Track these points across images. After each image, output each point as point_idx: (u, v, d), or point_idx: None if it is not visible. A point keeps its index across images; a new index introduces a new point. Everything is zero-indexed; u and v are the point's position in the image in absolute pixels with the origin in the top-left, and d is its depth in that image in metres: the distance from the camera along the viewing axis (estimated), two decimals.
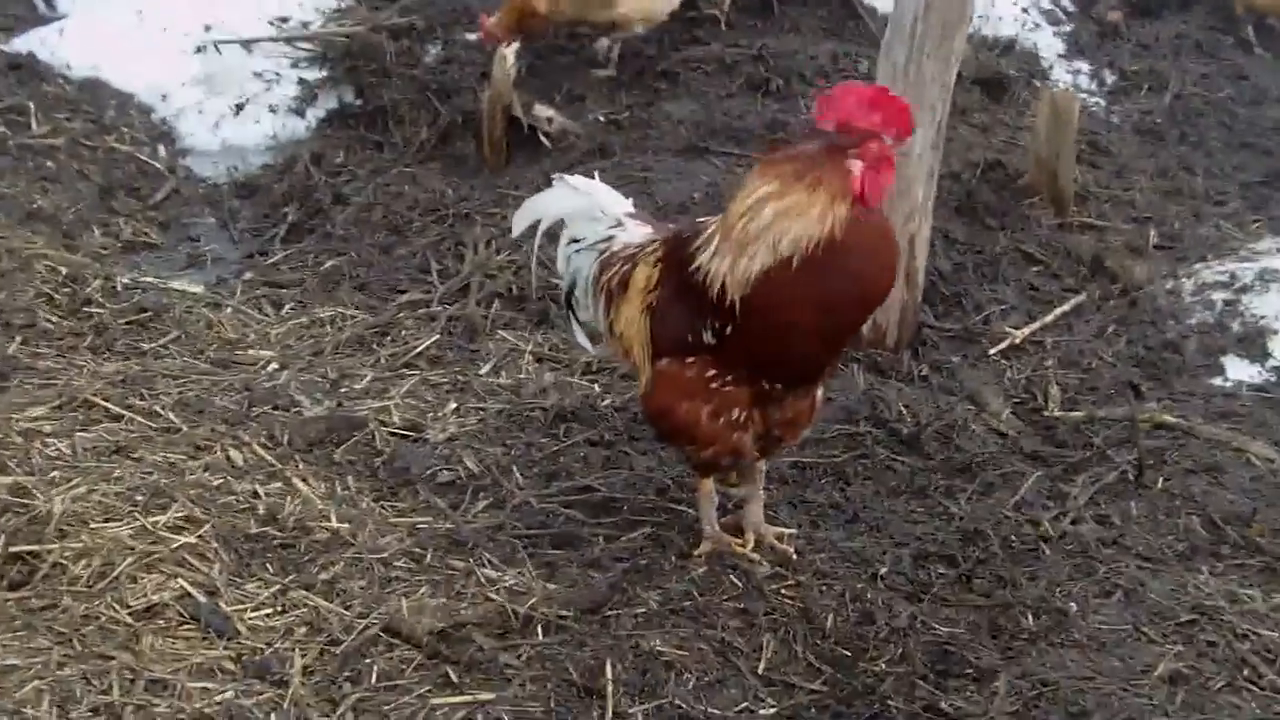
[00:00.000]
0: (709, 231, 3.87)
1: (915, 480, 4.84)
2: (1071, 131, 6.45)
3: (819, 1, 8.06)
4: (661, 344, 4.02)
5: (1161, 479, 4.89)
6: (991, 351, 5.71)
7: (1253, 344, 5.81)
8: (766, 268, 3.71)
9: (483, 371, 5.37)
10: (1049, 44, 8.28)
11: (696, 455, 4.11)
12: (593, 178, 4.51)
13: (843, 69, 7.39)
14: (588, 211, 4.36)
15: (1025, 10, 8.37)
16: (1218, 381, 5.66)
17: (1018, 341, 5.76)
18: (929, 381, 5.52)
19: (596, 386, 5.26)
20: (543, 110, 6.86)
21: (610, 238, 4.29)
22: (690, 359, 3.94)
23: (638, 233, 4.24)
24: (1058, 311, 5.96)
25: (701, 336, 3.90)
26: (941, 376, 5.56)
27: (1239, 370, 5.71)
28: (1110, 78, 8.12)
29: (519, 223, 4.53)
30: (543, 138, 6.83)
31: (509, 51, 6.74)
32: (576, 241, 4.37)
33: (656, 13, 7.33)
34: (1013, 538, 4.52)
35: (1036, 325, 5.84)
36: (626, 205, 4.39)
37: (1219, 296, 6.06)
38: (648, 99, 7.14)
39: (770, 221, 3.69)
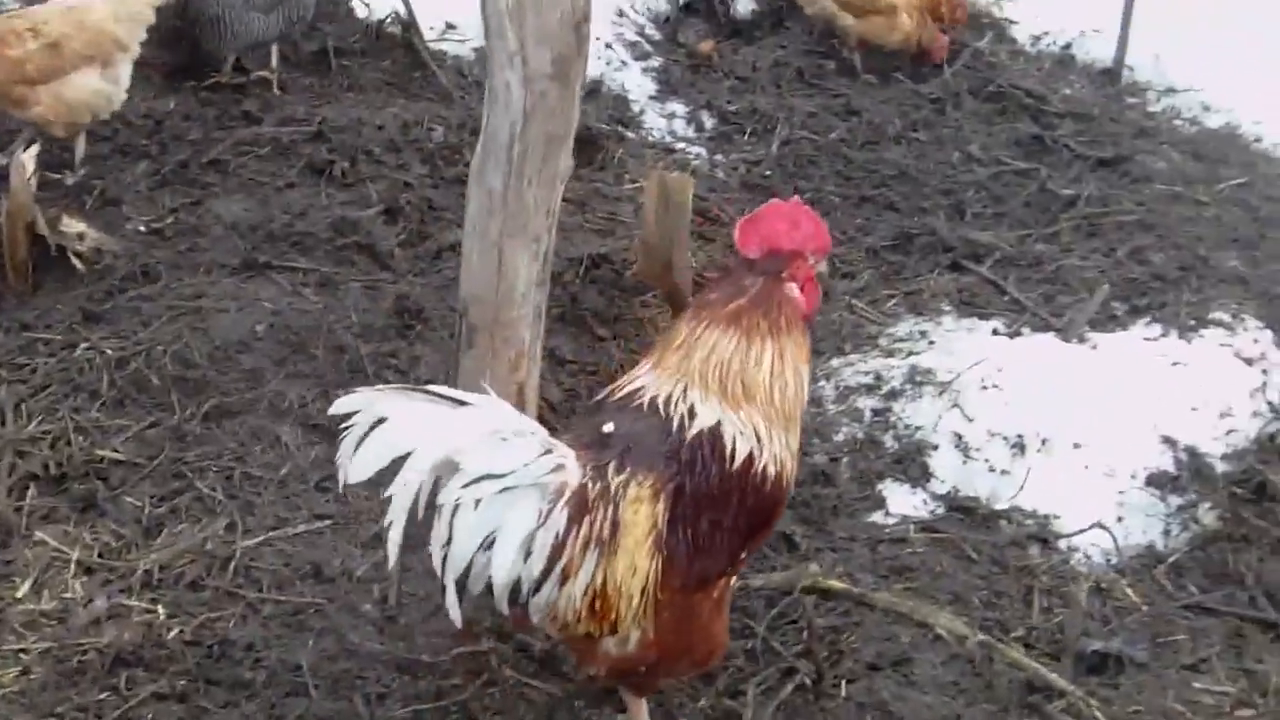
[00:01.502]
0: (717, 425, 3.32)
1: (555, 714, 3.93)
2: (685, 216, 5.62)
3: (379, 51, 7.00)
4: (686, 581, 3.35)
5: (845, 681, 4.10)
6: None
7: (911, 464, 5.12)
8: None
9: (20, 594, 4.27)
10: (638, 83, 7.47)
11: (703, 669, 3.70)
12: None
13: (415, 140, 6.39)
14: (491, 433, 3.18)
15: (608, 46, 7.50)
16: (879, 518, 4.92)
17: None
18: None
19: (160, 610, 4.23)
20: (72, 224, 5.56)
21: (558, 466, 3.23)
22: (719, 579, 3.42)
23: (572, 458, 3.28)
24: None
25: (741, 549, 3.43)
26: None
27: (901, 501, 5.01)
28: (709, 121, 7.35)
29: (361, 469, 3.19)
30: (74, 259, 5.53)
31: (28, 156, 5.44)
32: (488, 481, 3.14)
33: (83, 116, 6.00)
34: None
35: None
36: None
37: (866, 404, 5.35)
38: (195, 197, 5.96)
39: (796, 386, 3.42)
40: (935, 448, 5.16)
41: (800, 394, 3.42)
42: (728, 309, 3.40)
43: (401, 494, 3.13)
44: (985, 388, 5.30)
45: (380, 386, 3.29)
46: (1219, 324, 5.73)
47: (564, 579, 3.23)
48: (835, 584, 4.47)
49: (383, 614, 4.29)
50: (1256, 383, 5.45)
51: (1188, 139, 7.38)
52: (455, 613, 3.19)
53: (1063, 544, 4.85)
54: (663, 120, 7.28)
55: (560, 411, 5.14)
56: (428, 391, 3.20)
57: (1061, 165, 7.02)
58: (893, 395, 5.33)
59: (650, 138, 7.05)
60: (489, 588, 3.20)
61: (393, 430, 3.14)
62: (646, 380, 3.41)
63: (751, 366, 3.36)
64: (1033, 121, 7.39)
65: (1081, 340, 5.67)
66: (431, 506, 3.15)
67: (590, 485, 3.24)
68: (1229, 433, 5.26)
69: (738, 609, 4.33)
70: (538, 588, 3.21)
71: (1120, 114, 7.52)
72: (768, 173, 6.91)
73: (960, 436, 5.17)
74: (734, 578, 3.51)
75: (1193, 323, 5.72)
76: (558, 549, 3.20)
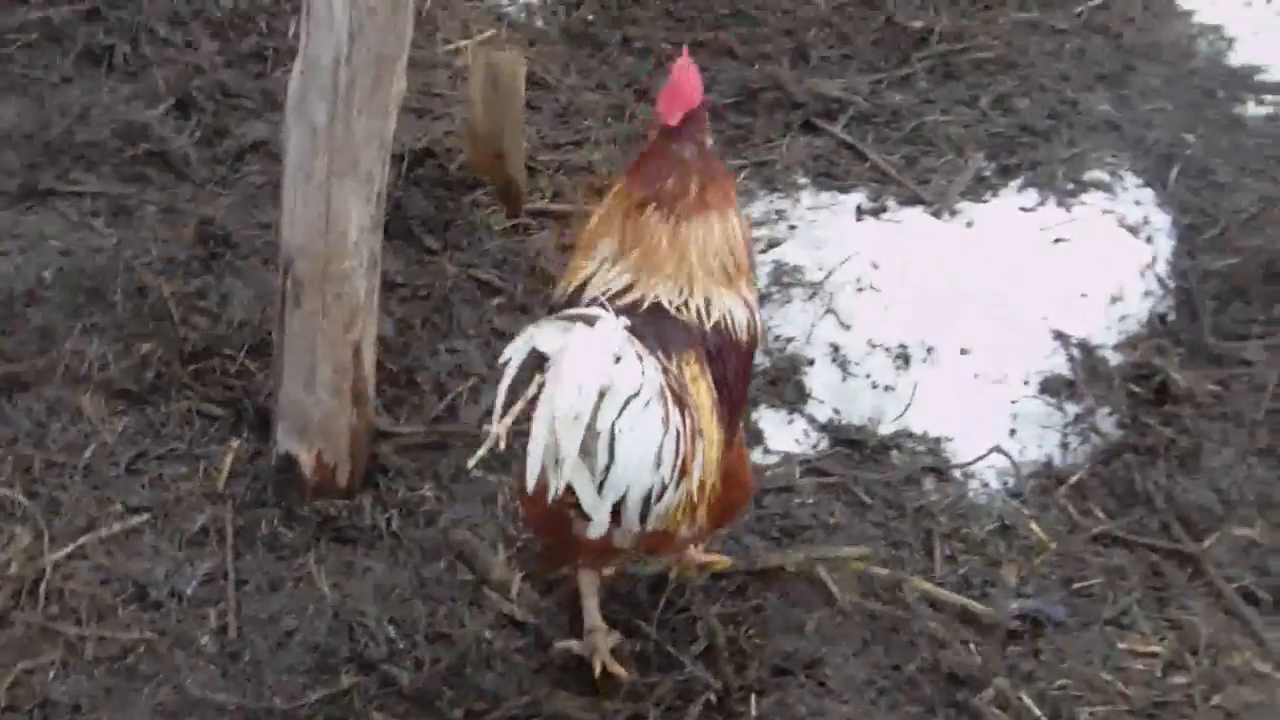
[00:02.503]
0: (711, 294, 3.37)
1: None
2: (518, 101, 4.94)
3: None
4: (731, 436, 3.38)
5: (754, 693, 3.67)
6: (470, 463, 4.20)
7: (786, 385, 4.68)
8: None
9: None
10: None
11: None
12: None
13: (201, 10, 5.55)
14: (622, 345, 3.00)
15: None
16: (759, 457, 4.44)
17: (501, 442, 4.31)
18: (401, 541, 4.05)
19: None
20: None
21: (661, 368, 3.09)
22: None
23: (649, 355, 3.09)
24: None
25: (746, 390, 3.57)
26: (417, 527, 4.09)
27: (780, 435, 4.58)
28: None
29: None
30: None
31: None
32: (634, 400, 2.97)
33: None
34: None
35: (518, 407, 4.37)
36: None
37: None
38: None
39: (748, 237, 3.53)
40: (811, 363, 4.67)
41: (750, 254, 3.51)
42: (692, 195, 3.37)
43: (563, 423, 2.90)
44: (861, 289, 4.79)
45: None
46: (1098, 185, 5.27)
47: (683, 475, 3.14)
48: (722, 560, 3.97)
49: (223, 648, 3.71)
50: (1144, 255, 5.03)
51: None
52: (603, 528, 3.10)
53: (958, 473, 4.41)
54: None
55: (396, 351, 4.52)
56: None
57: None
58: (759, 300, 4.76)
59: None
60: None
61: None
62: (638, 283, 3.35)
63: (736, 242, 3.41)
64: None
65: (954, 214, 5.16)
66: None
67: (670, 377, 3.14)
68: (1122, 319, 4.85)
69: (622, 600, 3.84)
70: (663, 494, 3.10)
71: None
72: (590, 17, 6.19)
73: (837, 349, 4.68)
74: None
75: (1070, 186, 5.25)
76: (679, 448, 3.09)
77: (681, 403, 3.11)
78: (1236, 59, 6.22)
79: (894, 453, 4.45)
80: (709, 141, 3.46)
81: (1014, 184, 5.31)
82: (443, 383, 4.53)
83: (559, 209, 5.16)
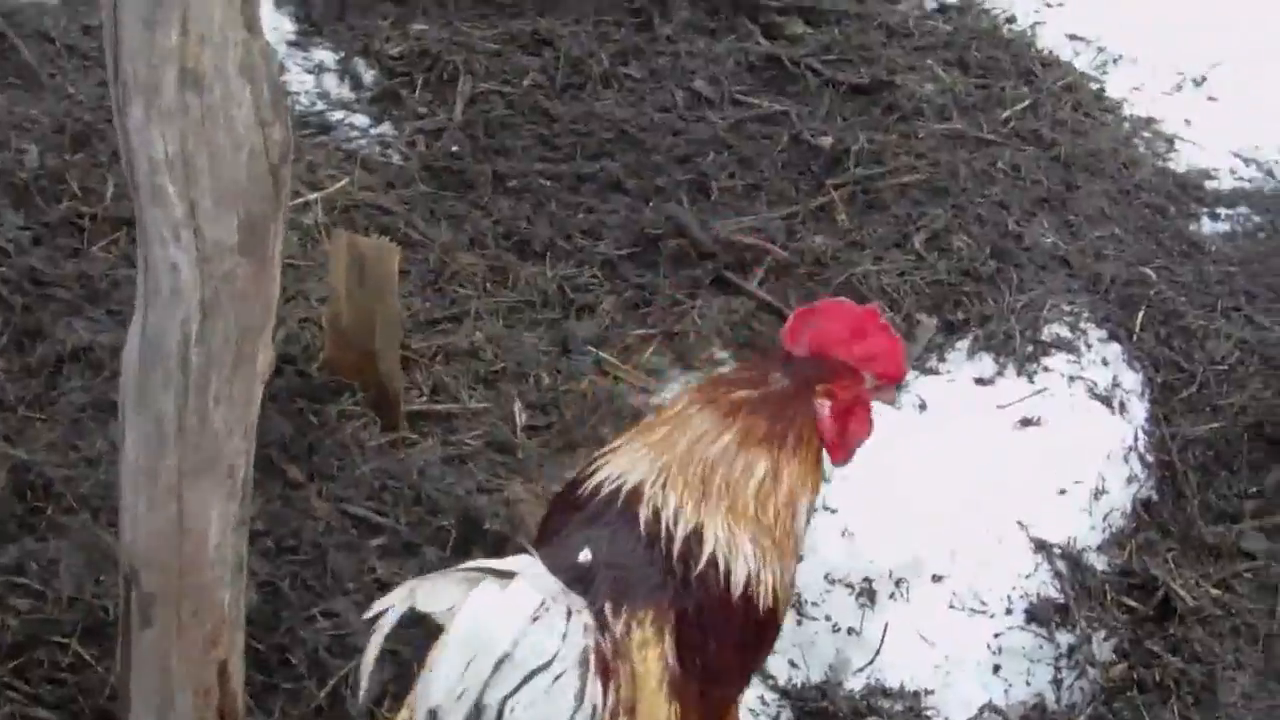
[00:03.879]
0: (716, 551, 2.73)
1: None
2: (391, 298, 4.14)
3: None
4: (705, 715, 2.78)
5: None
6: None
7: None
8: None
9: None
10: (271, 23, 5.73)
11: None
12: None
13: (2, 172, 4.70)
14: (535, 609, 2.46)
15: None
16: None
17: None
18: None
19: None
20: None
21: (586, 628, 2.52)
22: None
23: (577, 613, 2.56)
24: None
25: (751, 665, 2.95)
26: None
27: None
28: (369, 73, 5.78)
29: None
30: None
31: None
32: (540, 674, 2.44)
33: None
34: None
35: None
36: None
37: None
38: None
39: (788, 516, 2.80)
40: None
41: (792, 526, 2.82)
42: (733, 396, 2.81)
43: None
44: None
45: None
46: (1059, 345, 4.63)
47: None
48: None
49: None
50: (1122, 432, 4.40)
51: (948, 41, 6.12)
52: None
53: None
54: (309, 77, 5.66)
55: (267, 624, 3.71)
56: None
57: (811, 98, 5.71)
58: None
59: (297, 106, 5.42)
60: None
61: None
62: (620, 462, 2.79)
63: (738, 473, 2.78)
64: (763, 34, 6.02)
65: (902, 391, 4.45)
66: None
67: (603, 641, 2.60)
68: (1106, 515, 4.19)
69: None
70: None
71: (864, 10, 6.19)
72: (455, 149, 5.39)
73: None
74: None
75: (1029, 348, 4.58)
76: None
77: (607, 672, 2.56)
78: (1181, 162, 5.63)
79: None
80: (823, 407, 2.84)
81: (963, 346, 4.64)
82: (322, 660, 3.71)
83: (442, 409, 4.36)
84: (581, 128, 5.51)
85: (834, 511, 4.05)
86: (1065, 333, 4.65)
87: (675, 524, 2.73)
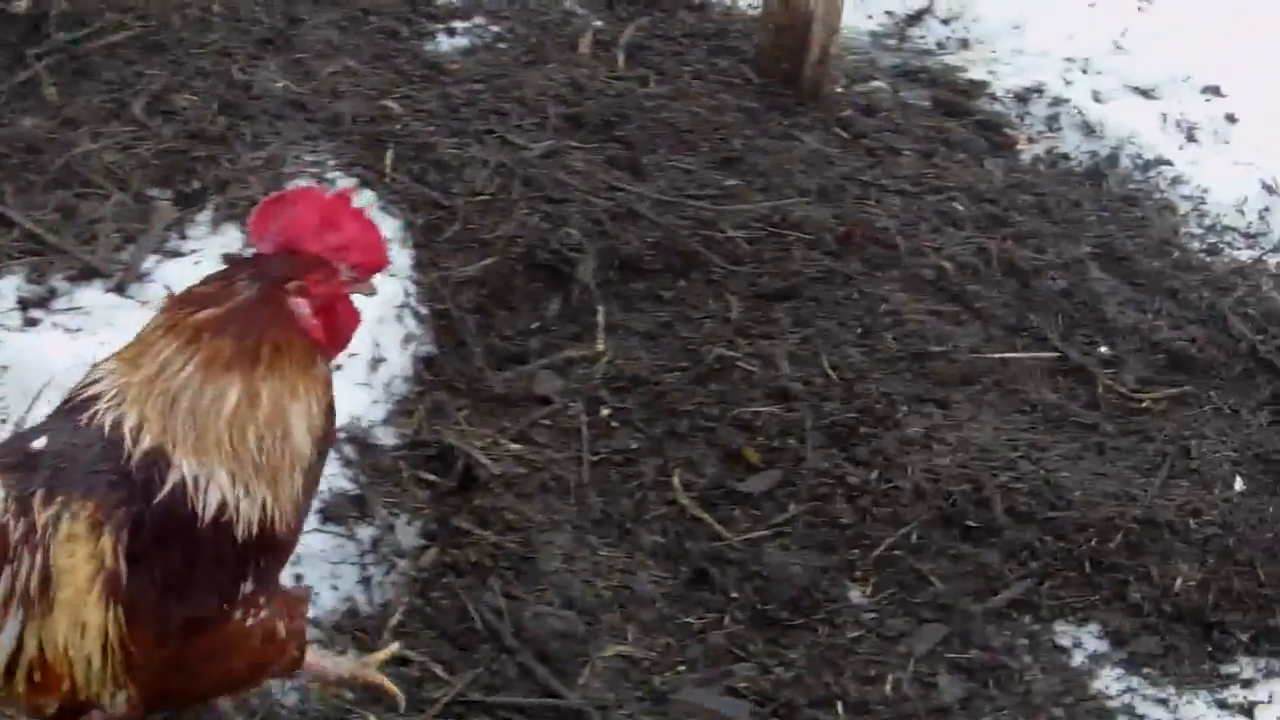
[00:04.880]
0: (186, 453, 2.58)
1: None
2: None
3: None
4: (166, 628, 2.60)
5: None
6: None
7: None
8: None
9: None
10: None
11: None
12: None
13: None
14: None
15: None
16: None
17: None
18: None
19: None
20: None
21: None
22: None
23: None
24: None
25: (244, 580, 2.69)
26: None
27: None
28: None
29: None
30: None
31: None
32: None
33: None
34: None
35: None
36: None
37: None
38: None
39: (279, 437, 2.64)
40: None
41: (284, 445, 2.66)
42: (197, 319, 2.63)
43: None
44: None
45: None
46: None
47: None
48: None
49: None
50: (389, 287, 4.09)
51: None
52: None
53: None
54: None
55: None
56: None
57: None
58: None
59: None
60: None
61: None
62: (104, 379, 2.65)
63: (207, 403, 2.62)
64: None
65: (142, 281, 3.99)
66: None
67: (12, 524, 2.52)
68: (389, 384, 3.93)
69: None
70: None
71: None
72: None
73: None
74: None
75: None
76: None
77: (5, 557, 2.49)
78: None
79: None
80: (302, 306, 2.67)
81: (205, 219, 4.15)
82: None
83: None
84: None
85: None
86: (311, 183, 4.25)
87: (137, 444, 2.58)
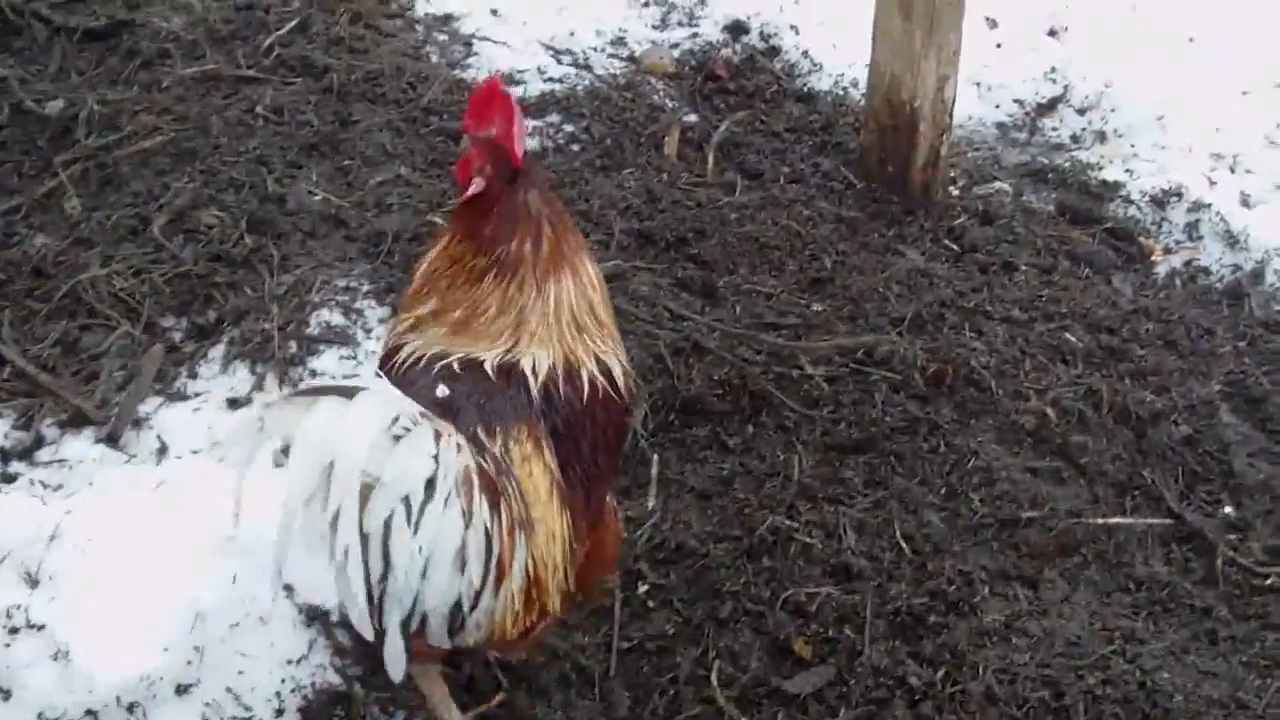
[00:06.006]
0: (552, 354, 2.79)
1: None
2: None
3: None
4: (592, 520, 2.85)
5: None
6: None
7: None
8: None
9: None
10: None
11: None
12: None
13: None
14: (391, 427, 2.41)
15: None
16: None
17: None
18: None
19: None
20: None
21: (459, 448, 2.49)
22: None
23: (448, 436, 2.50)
24: None
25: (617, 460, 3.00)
26: None
27: None
28: None
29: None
30: None
31: None
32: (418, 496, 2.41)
33: None
34: None
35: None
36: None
37: None
38: None
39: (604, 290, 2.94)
40: None
41: (607, 299, 2.92)
42: (544, 253, 2.81)
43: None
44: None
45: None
46: (332, 337, 3.86)
47: (500, 579, 2.62)
48: None
49: None
50: None
51: None
52: (401, 665, 2.49)
53: None
54: None
55: None
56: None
57: (38, 52, 4.66)
58: None
59: None
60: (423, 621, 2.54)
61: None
62: (456, 345, 2.76)
63: (593, 295, 2.86)
64: None
65: (138, 429, 3.61)
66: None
67: (484, 462, 2.58)
68: None
69: None
70: (477, 601, 2.58)
71: None
72: None
73: None
74: None
75: (294, 349, 3.80)
76: (490, 547, 2.56)
77: (494, 489, 2.56)
78: (481, 68, 4.88)
79: None
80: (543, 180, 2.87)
81: (217, 355, 3.78)
82: None
83: None
84: None
85: None
86: (339, 319, 3.86)
87: (521, 358, 2.74)
